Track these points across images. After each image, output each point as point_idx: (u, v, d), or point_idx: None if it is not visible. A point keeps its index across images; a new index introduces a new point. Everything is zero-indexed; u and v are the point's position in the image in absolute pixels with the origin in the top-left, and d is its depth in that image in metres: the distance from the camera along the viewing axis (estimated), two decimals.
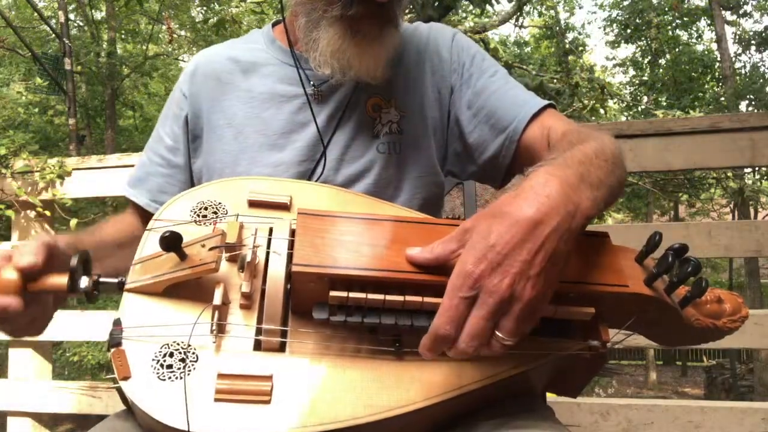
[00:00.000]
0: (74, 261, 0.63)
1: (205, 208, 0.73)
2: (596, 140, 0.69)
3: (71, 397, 1.99)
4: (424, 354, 0.55)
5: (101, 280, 0.67)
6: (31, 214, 2.15)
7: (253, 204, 0.74)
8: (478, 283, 0.51)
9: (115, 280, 0.66)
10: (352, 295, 0.58)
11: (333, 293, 0.58)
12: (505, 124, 0.88)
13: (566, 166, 0.59)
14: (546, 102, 0.88)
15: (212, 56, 1.00)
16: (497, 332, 0.53)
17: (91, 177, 2.12)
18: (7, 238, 2.23)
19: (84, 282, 0.64)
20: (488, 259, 0.51)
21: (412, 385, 0.61)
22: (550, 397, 0.85)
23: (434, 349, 0.54)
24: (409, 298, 0.58)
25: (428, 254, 0.58)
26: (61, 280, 0.63)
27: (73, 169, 2.12)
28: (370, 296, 0.58)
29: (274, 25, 1.02)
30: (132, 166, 2.05)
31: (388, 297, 0.58)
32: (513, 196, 0.55)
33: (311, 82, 0.92)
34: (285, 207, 0.74)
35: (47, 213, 2.12)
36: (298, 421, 0.56)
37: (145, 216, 0.96)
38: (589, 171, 0.60)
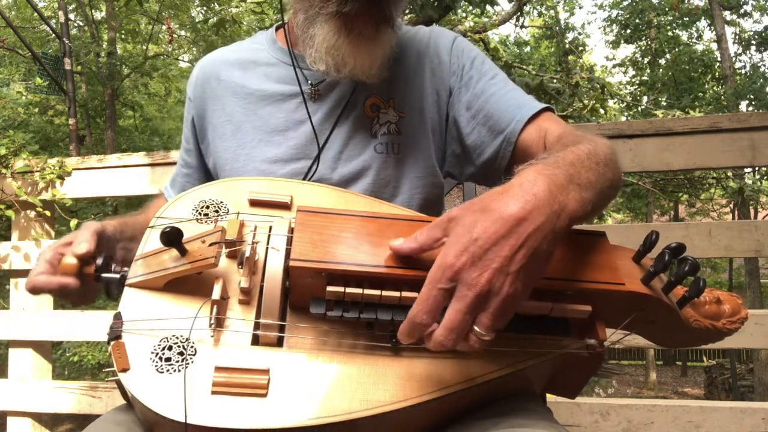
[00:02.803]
0: (99, 261, 0.73)
1: (207, 207, 0.74)
2: (590, 142, 0.69)
3: (71, 397, 1.99)
4: (402, 339, 0.56)
5: (103, 275, 0.69)
6: (31, 214, 2.15)
7: (254, 203, 0.75)
8: (457, 275, 0.52)
9: (117, 275, 0.69)
10: (348, 290, 0.58)
11: (330, 288, 0.58)
12: (502, 126, 0.88)
13: (556, 166, 0.59)
14: (544, 105, 0.88)
15: (214, 58, 1.03)
16: (474, 326, 0.53)
17: (91, 177, 2.12)
18: (7, 238, 2.23)
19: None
20: (470, 252, 0.52)
21: (408, 381, 0.61)
22: (550, 397, 0.85)
23: (411, 335, 0.55)
24: (405, 293, 0.58)
25: (413, 243, 0.58)
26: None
27: (73, 169, 2.12)
28: (367, 292, 0.58)
29: (278, 28, 1.04)
30: (132, 166, 2.07)
31: (385, 293, 0.58)
32: (500, 192, 0.55)
33: (309, 81, 0.93)
34: (286, 206, 0.75)
35: (47, 213, 2.12)
36: (294, 414, 0.57)
37: None
38: (579, 172, 0.61)
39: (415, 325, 0.54)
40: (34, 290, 0.75)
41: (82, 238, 0.74)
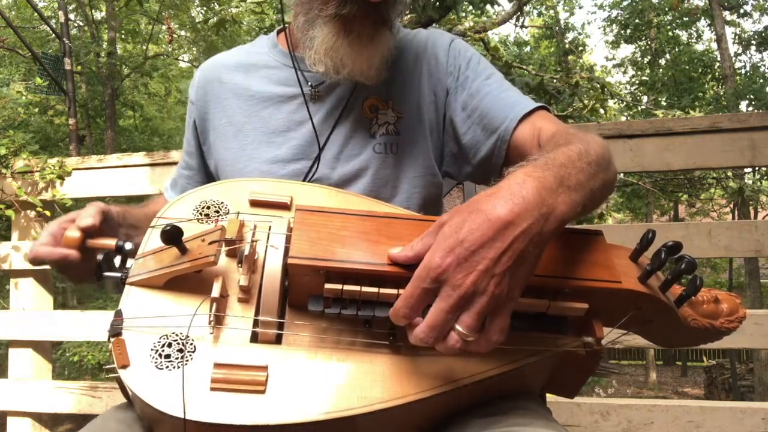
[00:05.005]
0: (120, 241, 0.75)
1: (208, 207, 0.75)
2: (582, 142, 0.69)
3: (71, 397, 2.00)
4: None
5: (105, 274, 0.70)
6: (31, 214, 2.15)
7: (254, 203, 0.75)
8: (442, 275, 0.52)
9: (118, 275, 0.69)
10: (346, 287, 0.59)
11: (328, 286, 0.59)
12: (496, 124, 0.88)
13: (546, 167, 0.59)
14: (538, 104, 0.89)
15: (216, 62, 1.04)
16: (457, 326, 0.53)
17: (91, 177, 2.13)
18: (7, 238, 2.23)
19: (128, 245, 0.74)
20: (455, 253, 0.52)
21: (407, 378, 0.61)
22: (550, 397, 0.85)
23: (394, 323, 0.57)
24: (403, 291, 0.58)
25: (410, 252, 0.58)
26: (110, 241, 0.76)
27: (73, 169, 2.13)
28: (365, 289, 0.59)
29: (279, 32, 1.05)
30: (132, 166, 2.07)
31: (383, 290, 0.59)
32: (489, 194, 0.56)
33: (309, 83, 0.94)
34: (285, 206, 0.75)
35: (47, 213, 2.12)
36: (292, 411, 0.57)
37: None
38: (569, 174, 0.60)
39: (396, 319, 0.56)
40: (36, 260, 0.78)
41: (88, 213, 0.77)
